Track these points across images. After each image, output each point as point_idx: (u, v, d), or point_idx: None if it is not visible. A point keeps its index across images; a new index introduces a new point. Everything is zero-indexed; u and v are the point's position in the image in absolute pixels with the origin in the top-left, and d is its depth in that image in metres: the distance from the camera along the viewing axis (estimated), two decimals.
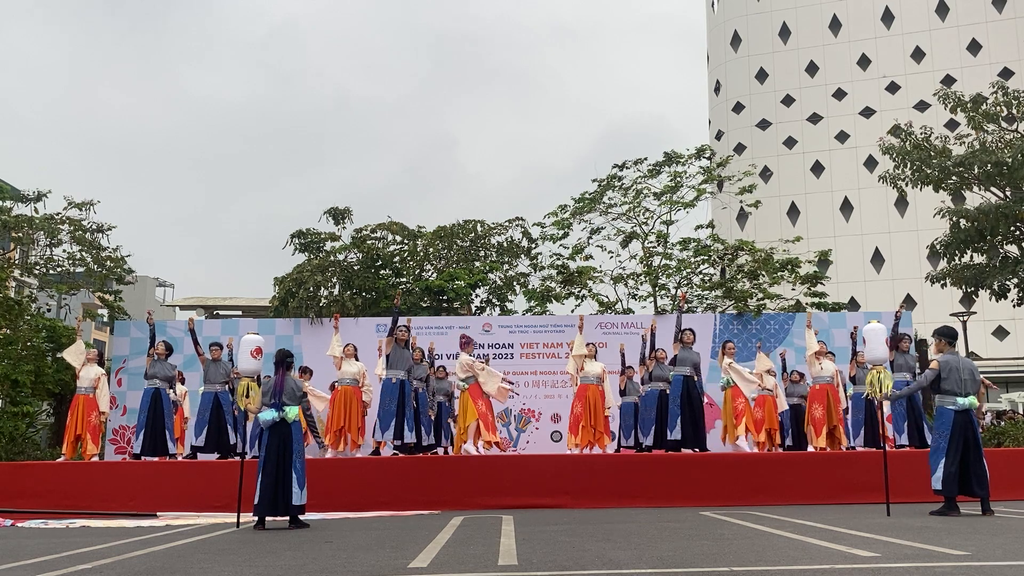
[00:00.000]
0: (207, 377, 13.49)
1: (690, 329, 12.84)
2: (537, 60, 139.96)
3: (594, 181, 22.40)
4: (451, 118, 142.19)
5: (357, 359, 13.60)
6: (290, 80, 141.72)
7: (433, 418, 13.46)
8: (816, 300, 21.16)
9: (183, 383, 15.53)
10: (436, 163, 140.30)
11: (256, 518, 8.36)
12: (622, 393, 14.44)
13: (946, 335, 9.09)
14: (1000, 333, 43.65)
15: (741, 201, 22.85)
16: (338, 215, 22.06)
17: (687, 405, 12.28)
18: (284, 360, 8.69)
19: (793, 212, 49.56)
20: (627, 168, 22.33)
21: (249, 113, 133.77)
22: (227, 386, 13.34)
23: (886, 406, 11.91)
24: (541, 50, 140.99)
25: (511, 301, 22.57)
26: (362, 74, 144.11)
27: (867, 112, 49.41)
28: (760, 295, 19.99)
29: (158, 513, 10.18)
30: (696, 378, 12.56)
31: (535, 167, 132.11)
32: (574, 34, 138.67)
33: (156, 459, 12.50)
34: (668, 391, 12.60)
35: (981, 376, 9.42)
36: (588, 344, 13.17)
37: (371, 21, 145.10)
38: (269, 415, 8.44)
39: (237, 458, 11.29)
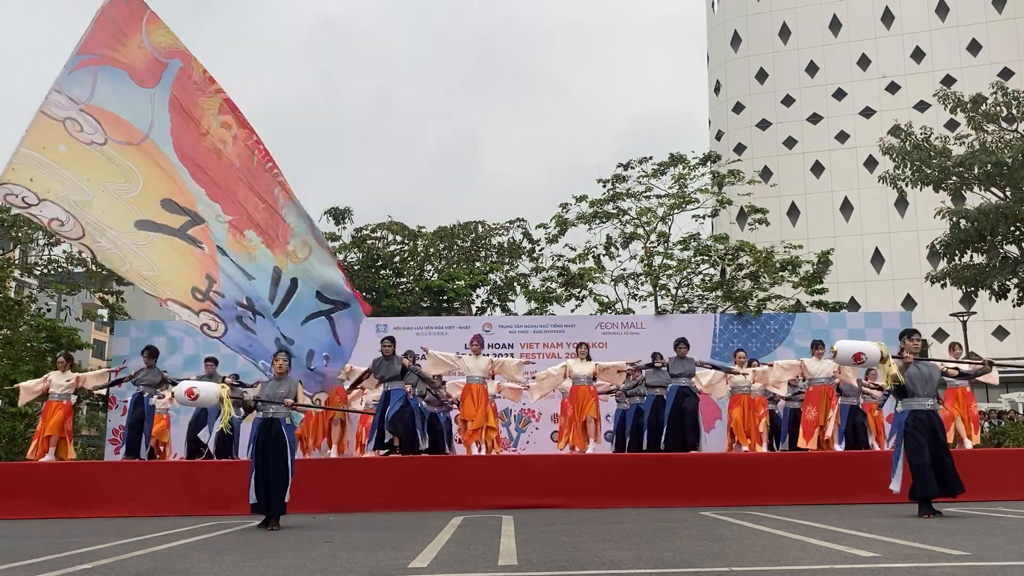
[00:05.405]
0: None
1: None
2: (556, 61, 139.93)
3: (599, 182, 22.38)
4: (473, 119, 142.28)
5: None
6: (299, 82, 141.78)
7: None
8: (817, 298, 21.16)
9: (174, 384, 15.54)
10: (458, 164, 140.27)
11: (260, 516, 8.34)
12: (627, 395, 14.41)
13: (907, 332, 8.83)
14: (1000, 333, 43.61)
15: (748, 214, 22.82)
16: (338, 215, 22.08)
17: (678, 416, 12.34)
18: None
19: (793, 212, 49.52)
20: (632, 168, 22.30)
21: (257, 114, 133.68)
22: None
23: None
24: (562, 51, 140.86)
25: (512, 301, 22.57)
26: (375, 76, 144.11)
27: (867, 112, 49.36)
28: (760, 294, 19.98)
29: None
30: (692, 386, 12.67)
31: (561, 167, 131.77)
32: (593, 34, 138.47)
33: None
34: (664, 396, 12.67)
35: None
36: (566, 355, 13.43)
37: (388, 22, 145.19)
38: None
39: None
